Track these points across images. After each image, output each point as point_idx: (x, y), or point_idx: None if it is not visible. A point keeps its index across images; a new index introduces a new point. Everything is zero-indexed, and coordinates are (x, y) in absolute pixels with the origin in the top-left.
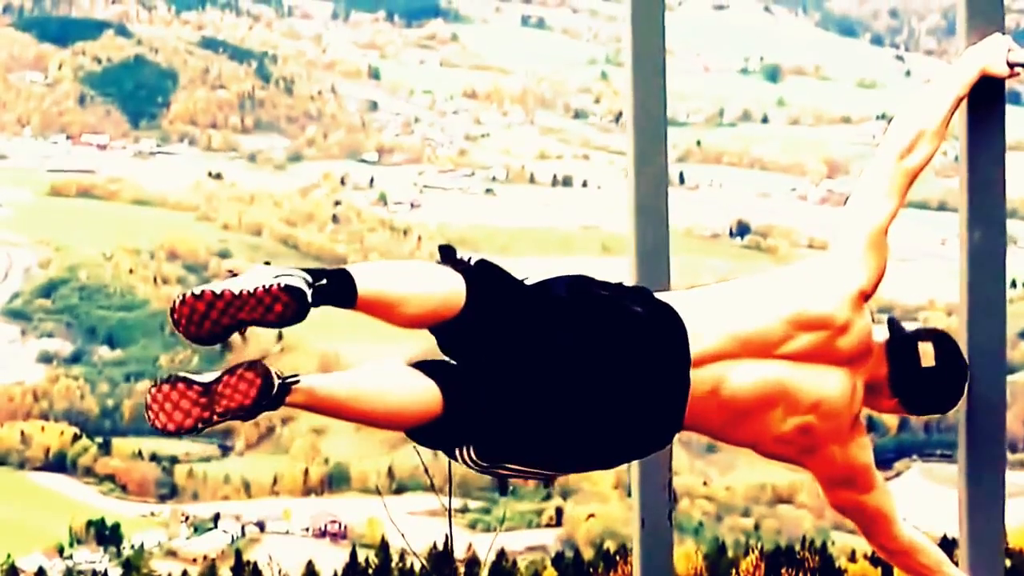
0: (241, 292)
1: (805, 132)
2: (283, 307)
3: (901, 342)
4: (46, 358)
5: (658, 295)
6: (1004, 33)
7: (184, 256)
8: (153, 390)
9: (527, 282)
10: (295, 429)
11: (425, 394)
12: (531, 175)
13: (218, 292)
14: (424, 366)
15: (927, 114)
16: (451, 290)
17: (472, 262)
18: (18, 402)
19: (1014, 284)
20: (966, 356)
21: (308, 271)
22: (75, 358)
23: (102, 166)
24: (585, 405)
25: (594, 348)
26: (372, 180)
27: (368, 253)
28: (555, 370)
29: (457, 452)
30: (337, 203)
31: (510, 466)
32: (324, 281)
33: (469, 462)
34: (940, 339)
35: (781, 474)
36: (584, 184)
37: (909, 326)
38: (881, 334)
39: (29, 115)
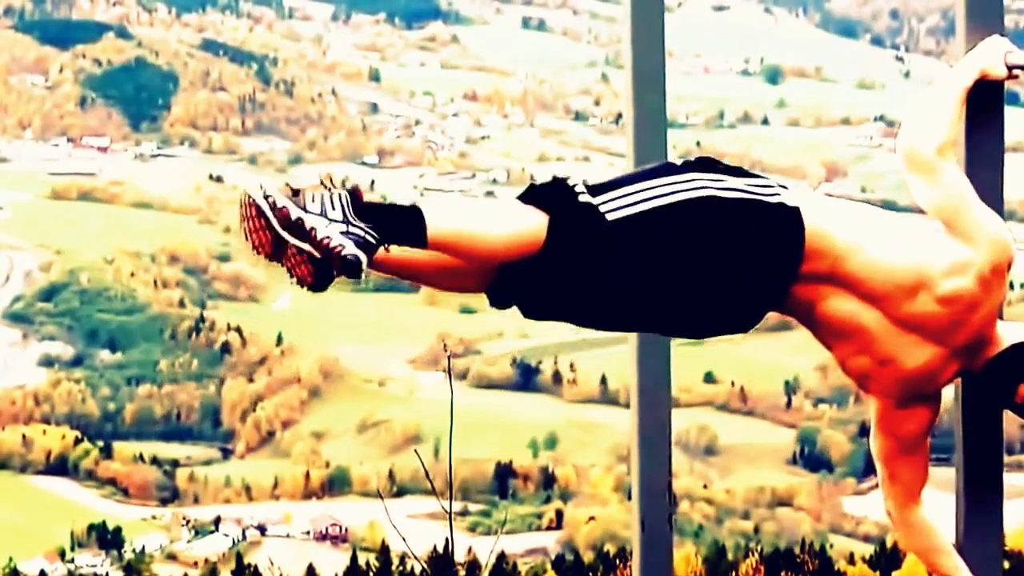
0: (312, 230)
1: (805, 133)
2: (337, 269)
3: (1011, 367)
4: (47, 361)
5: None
6: (1003, 33)
7: (185, 259)
8: (247, 198)
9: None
10: (296, 432)
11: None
12: (531, 177)
13: (293, 218)
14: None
15: (934, 106)
16: (529, 233)
17: (579, 196)
18: (19, 405)
19: (1012, 286)
20: None
21: (380, 213)
22: (76, 361)
23: (103, 169)
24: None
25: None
26: (373, 183)
27: None
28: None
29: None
30: None
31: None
32: (391, 242)
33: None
34: None
35: (780, 477)
36: None
37: None
38: (1012, 333)
39: (30, 118)
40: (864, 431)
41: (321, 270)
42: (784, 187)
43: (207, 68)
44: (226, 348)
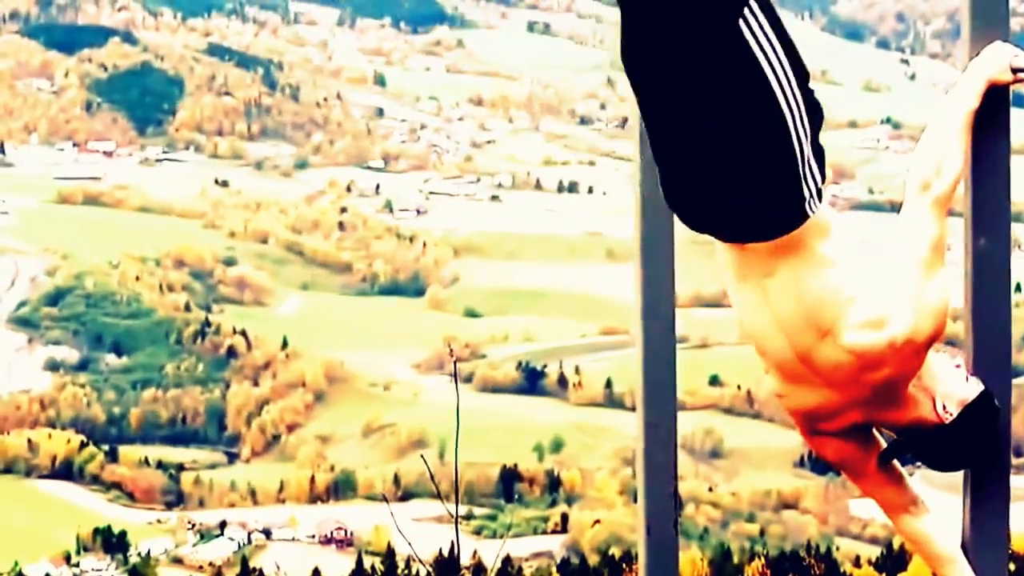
0: None
1: None
2: None
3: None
4: (53, 366)
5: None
6: (1009, 36)
7: (191, 263)
8: None
9: None
10: (301, 436)
11: None
12: (537, 181)
13: None
14: None
15: (945, 135)
16: None
17: None
18: (25, 410)
19: (1019, 288)
20: (971, 361)
21: None
22: (82, 366)
23: (109, 173)
24: None
25: None
26: (378, 187)
27: (374, 260)
28: None
29: None
30: (343, 210)
31: None
32: None
33: None
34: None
35: (787, 480)
36: (590, 190)
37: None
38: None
39: (36, 122)
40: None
41: None
42: None
43: (213, 73)
44: (231, 352)
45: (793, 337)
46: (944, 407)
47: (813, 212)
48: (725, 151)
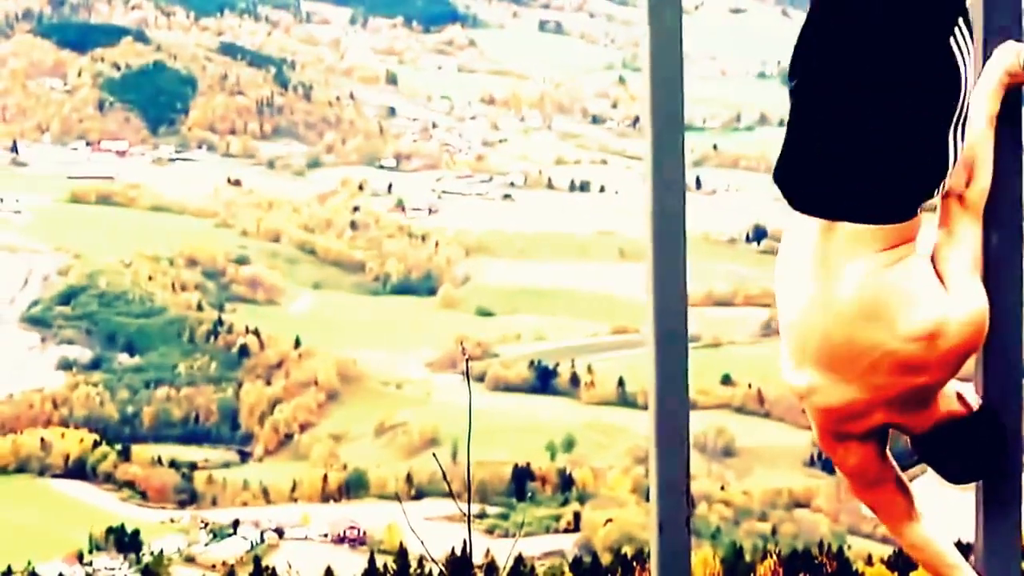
0: None
1: None
2: None
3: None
4: (66, 365)
5: None
6: (1022, 35)
7: (203, 262)
8: None
9: None
10: (314, 435)
11: None
12: (548, 180)
13: None
14: None
15: (970, 144)
16: None
17: None
18: (38, 409)
19: None
20: (983, 359)
21: None
22: (95, 365)
23: (121, 172)
24: None
25: None
26: (390, 186)
27: (385, 259)
28: None
29: None
30: (355, 209)
31: None
32: None
33: None
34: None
35: (798, 479)
36: (601, 189)
37: None
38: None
39: (48, 121)
40: None
41: None
42: None
43: (225, 72)
44: (244, 351)
45: (852, 325)
46: (966, 399)
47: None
48: (895, 140)
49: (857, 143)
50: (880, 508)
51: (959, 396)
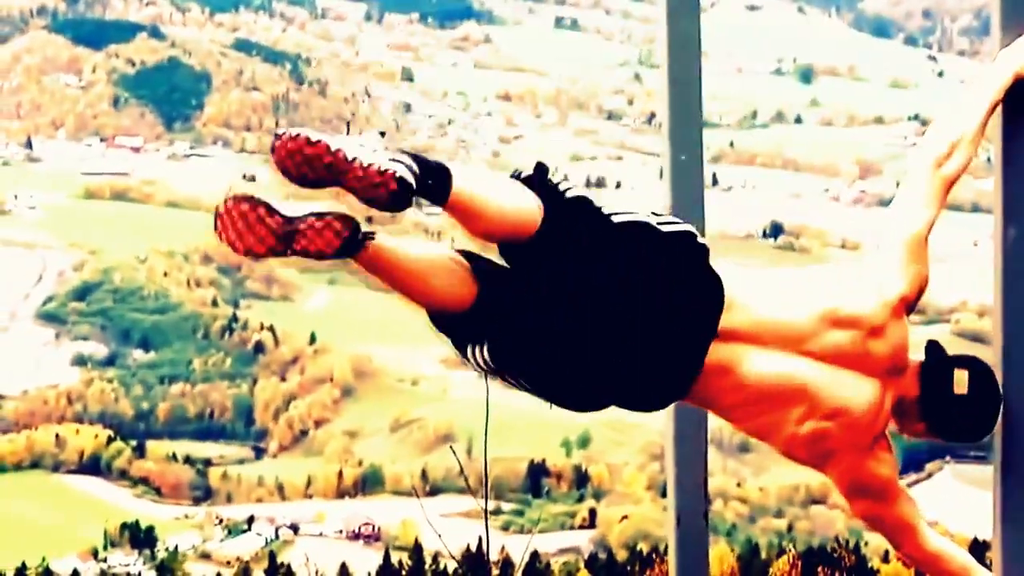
0: (355, 160)
1: (838, 133)
2: (388, 194)
3: (936, 365)
4: (80, 361)
5: (711, 262)
6: None
7: (218, 259)
8: (229, 203)
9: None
10: (329, 431)
11: (464, 284)
12: (564, 177)
13: (333, 148)
14: (470, 257)
15: (963, 120)
16: (531, 215)
17: (566, 193)
18: (52, 405)
19: None
20: (1000, 356)
21: (416, 159)
22: (109, 361)
23: (136, 168)
24: (605, 339)
25: (631, 293)
26: None
27: None
28: (589, 301)
29: (470, 349)
30: None
31: (512, 378)
32: (429, 182)
33: (479, 361)
34: (977, 368)
35: (815, 475)
36: (618, 185)
37: (949, 351)
38: (917, 355)
39: (63, 117)
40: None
41: (350, 231)
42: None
43: (240, 68)
44: (259, 347)
45: (799, 347)
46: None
47: None
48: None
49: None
50: (896, 520)
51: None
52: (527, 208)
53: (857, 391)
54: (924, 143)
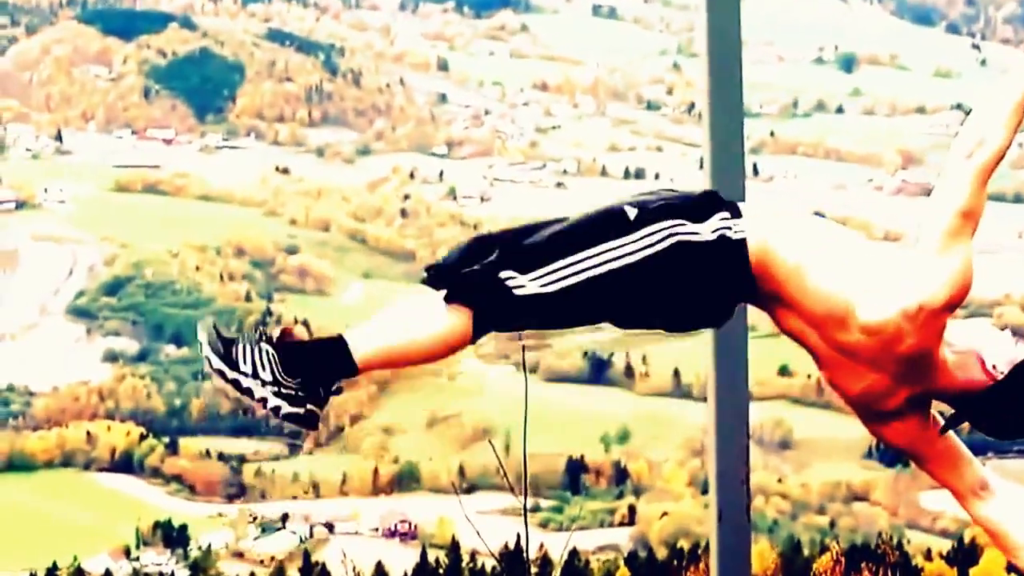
0: (262, 400)
1: (880, 122)
2: (284, 421)
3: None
4: (112, 357)
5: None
6: None
7: (251, 252)
8: None
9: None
10: (364, 428)
11: (454, 331)
12: (603, 167)
13: (243, 386)
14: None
15: (993, 107)
16: (451, 330)
17: (474, 275)
18: (84, 402)
19: None
20: None
21: (304, 359)
22: (141, 356)
23: (168, 161)
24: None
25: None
26: (441, 173)
27: (436, 247)
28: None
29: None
30: (406, 197)
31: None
32: (307, 407)
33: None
34: None
35: (856, 471)
36: (657, 176)
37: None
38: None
39: (93, 109)
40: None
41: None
42: (736, 210)
43: (273, 58)
44: None
45: (821, 332)
46: (994, 367)
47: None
48: None
49: None
50: (942, 482)
51: (984, 365)
52: (448, 330)
53: (855, 380)
54: (959, 135)
